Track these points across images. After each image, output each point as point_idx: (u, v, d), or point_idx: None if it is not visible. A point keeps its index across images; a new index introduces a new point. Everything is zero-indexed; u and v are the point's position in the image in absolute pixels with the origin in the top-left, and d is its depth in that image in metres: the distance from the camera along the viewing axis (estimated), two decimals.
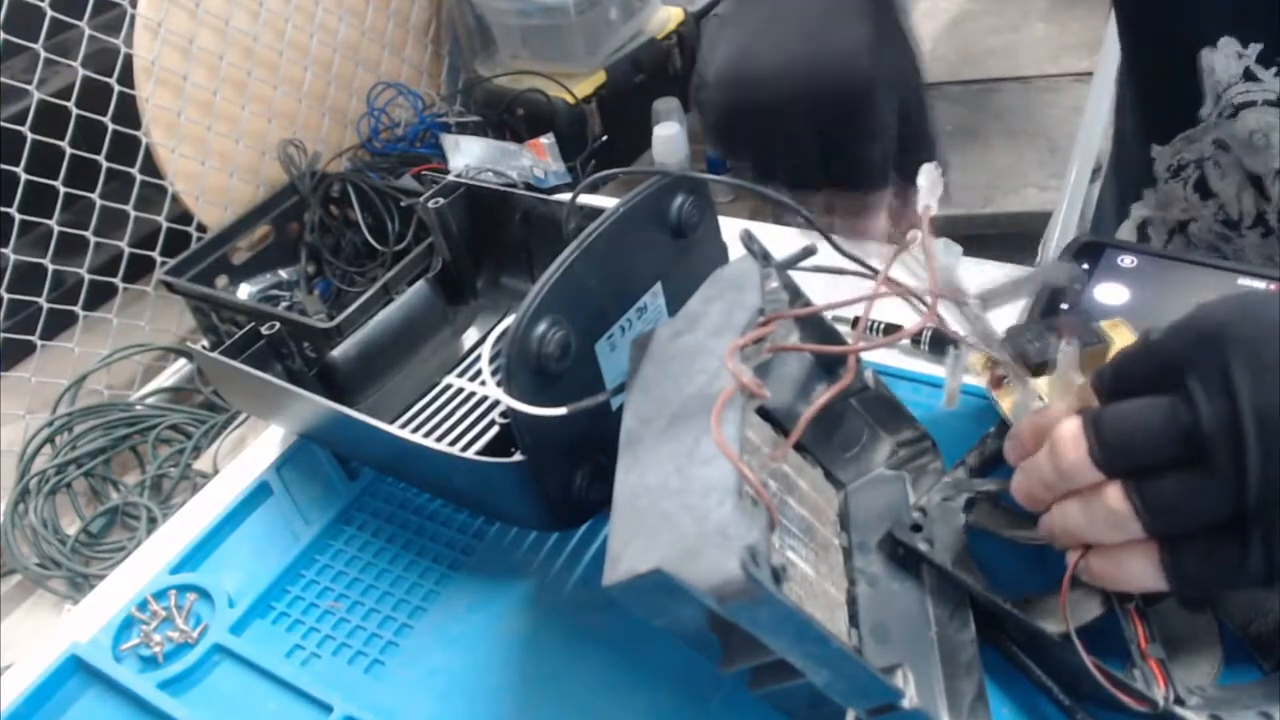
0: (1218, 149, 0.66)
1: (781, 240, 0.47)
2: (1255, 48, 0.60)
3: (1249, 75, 0.61)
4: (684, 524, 0.31)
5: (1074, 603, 0.40)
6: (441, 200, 0.65)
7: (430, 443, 0.49)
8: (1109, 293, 0.58)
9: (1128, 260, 0.60)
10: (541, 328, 0.42)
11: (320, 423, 0.56)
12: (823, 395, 0.37)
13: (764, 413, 0.45)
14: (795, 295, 0.45)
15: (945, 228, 0.66)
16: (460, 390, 0.62)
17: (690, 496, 0.32)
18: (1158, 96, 0.69)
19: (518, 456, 0.45)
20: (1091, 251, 0.61)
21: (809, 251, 0.43)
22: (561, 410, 0.41)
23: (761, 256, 0.43)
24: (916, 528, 0.44)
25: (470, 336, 0.67)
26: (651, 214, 0.48)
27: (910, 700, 0.35)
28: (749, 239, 0.43)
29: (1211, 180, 0.67)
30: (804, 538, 0.41)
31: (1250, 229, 0.67)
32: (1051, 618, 0.40)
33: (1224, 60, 0.62)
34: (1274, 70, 0.60)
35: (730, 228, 0.57)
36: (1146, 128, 0.71)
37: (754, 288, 0.40)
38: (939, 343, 0.59)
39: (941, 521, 0.44)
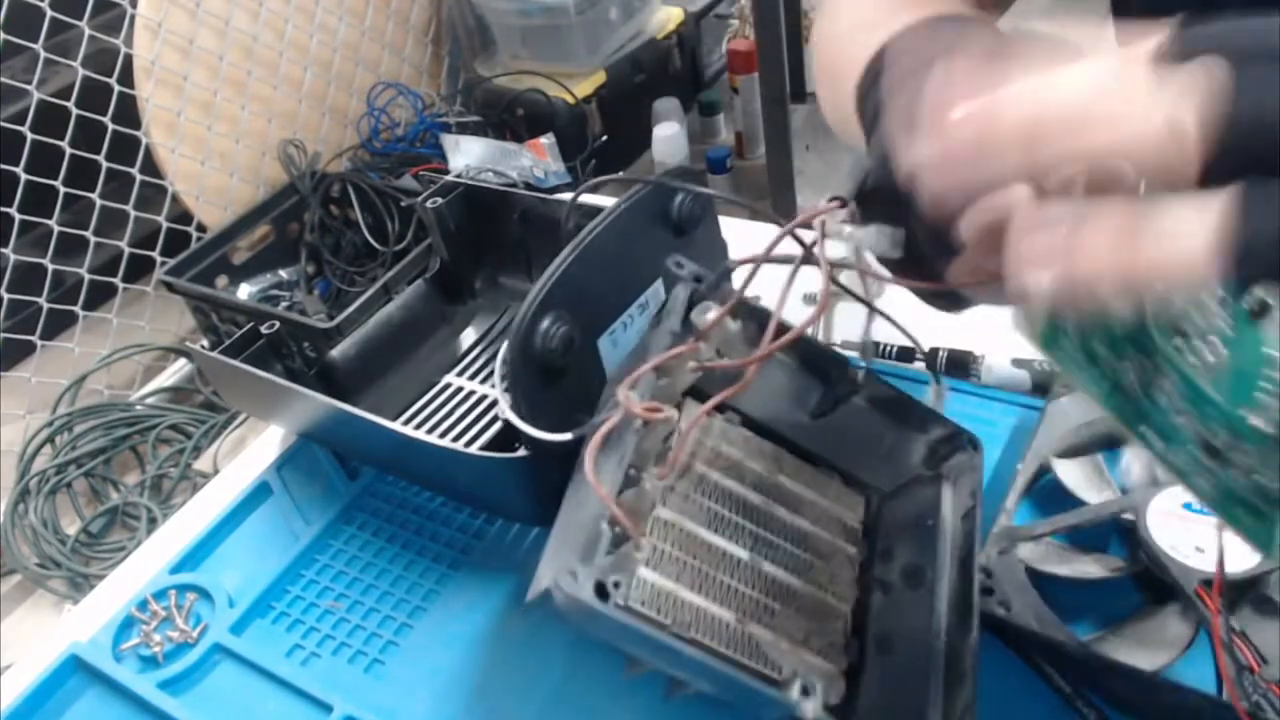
0: None
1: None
2: None
3: None
4: (568, 548, 0.34)
5: (1160, 631, 0.40)
6: (440, 200, 0.65)
7: (434, 439, 0.49)
8: None
9: None
10: (545, 323, 0.43)
11: (321, 421, 0.56)
12: (707, 404, 0.38)
13: (755, 425, 0.45)
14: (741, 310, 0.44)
15: None
16: (460, 389, 0.62)
17: (584, 522, 0.35)
18: None
19: (521, 452, 0.45)
20: None
21: (727, 271, 0.43)
22: (567, 436, 0.41)
23: (692, 279, 0.43)
24: (988, 591, 0.43)
25: (469, 336, 0.67)
26: (653, 211, 0.49)
27: (813, 713, 0.35)
28: (677, 265, 0.44)
29: None
30: (794, 547, 0.41)
31: None
32: (1140, 652, 0.40)
33: None
34: None
35: (730, 227, 0.57)
36: None
37: (679, 313, 0.42)
38: (961, 366, 0.59)
39: (1007, 577, 0.43)
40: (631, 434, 0.37)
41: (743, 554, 0.40)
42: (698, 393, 0.43)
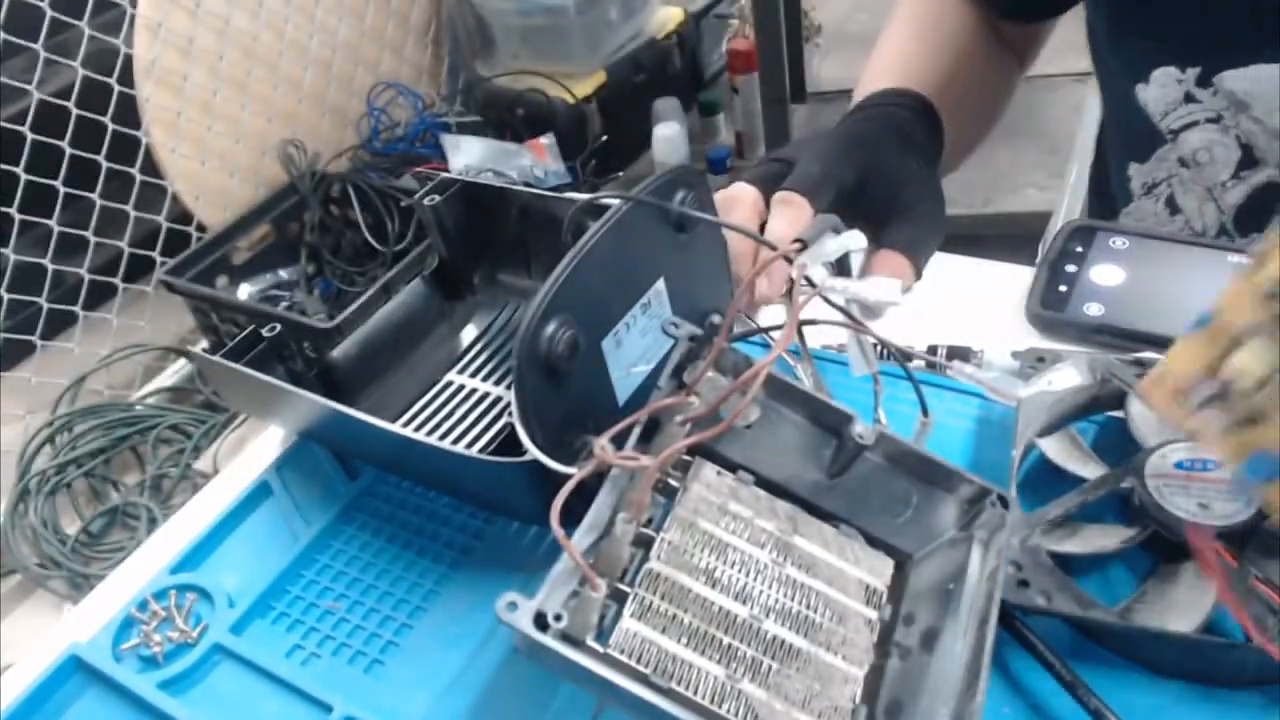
0: (1181, 166, 0.68)
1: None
2: (1193, 71, 0.63)
3: (1189, 98, 0.64)
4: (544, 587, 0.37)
5: (1188, 590, 0.41)
6: (437, 197, 0.65)
7: (438, 443, 0.49)
8: (1104, 274, 0.60)
9: (1120, 242, 0.62)
10: (550, 328, 0.43)
11: (324, 424, 0.56)
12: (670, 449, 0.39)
13: (772, 486, 0.45)
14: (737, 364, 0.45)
15: (946, 227, 0.66)
16: (461, 387, 0.62)
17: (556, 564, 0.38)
18: (1126, 121, 0.71)
19: (528, 456, 0.45)
20: (1085, 235, 0.63)
21: (714, 327, 0.45)
22: (580, 472, 0.41)
23: (688, 338, 0.45)
24: (1024, 584, 0.42)
25: (469, 333, 0.67)
26: (653, 210, 0.49)
27: None
28: (673, 325, 0.46)
29: (1178, 196, 0.69)
30: (804, 608, 0.41)
31: (1214, 239, 0.69)
32: (1173, 613, 0.41)
33: (1158, 90, 0.65)
34: (1211, 90, 0.62)
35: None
36: (1125, 147, 0.73)
37: (670, 370, 0.44)
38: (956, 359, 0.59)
39: (1035, 564, 0.43)
40: (617, 483, 0.39)
41: (742, 611, 0.39)
42: (709, 452, 0.44)
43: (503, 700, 0.47)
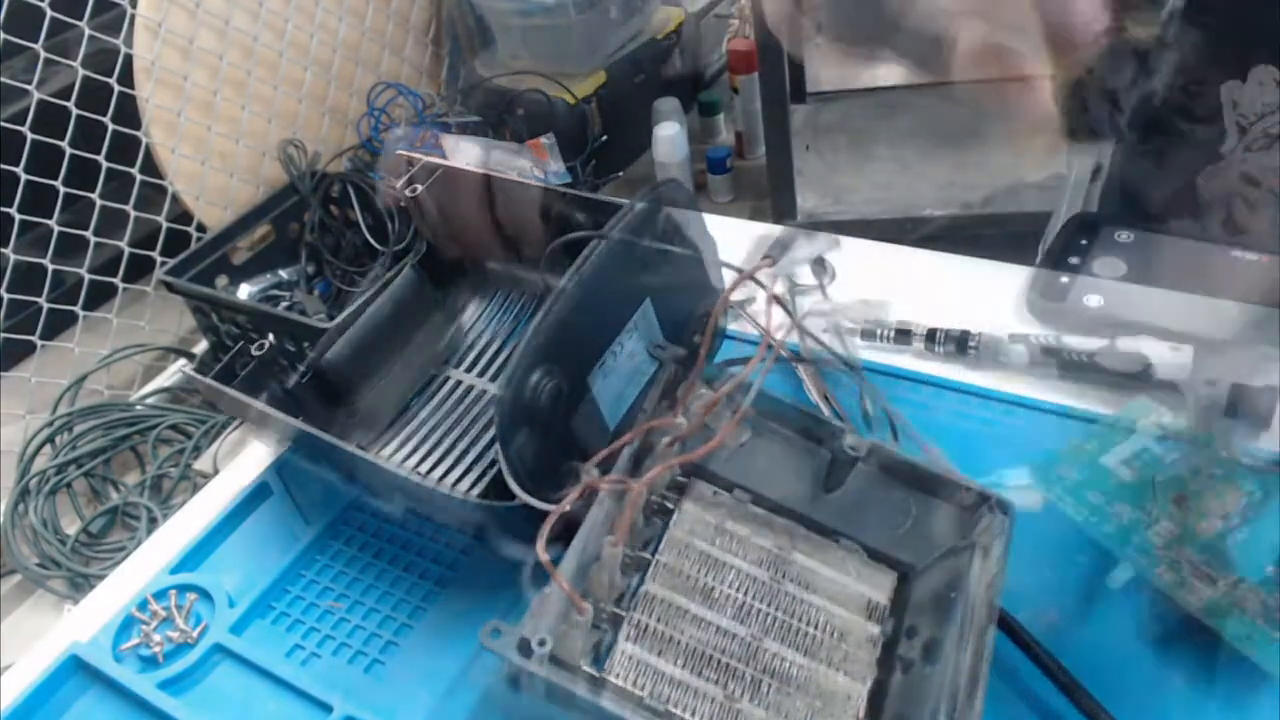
0: (1246, 184, 0.65)
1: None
2: None
3: None
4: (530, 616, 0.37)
5: None
6: (419, 187, 0.64)
7: (432, 484, 0.49)
8: (1107, 266, 0.61)
9: (1124, 236, 0.63)
10: (533, 379, 0.42)
11: (311, 448, 0.56)
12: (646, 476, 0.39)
13: (768, 503, 0.44)
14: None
15: (947, 227, 0.66)
16: (459, 383, 0.61)
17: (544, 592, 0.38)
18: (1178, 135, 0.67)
19: (519, 500, 0.44)
20: (1089, 227, 0.64)
21: (673, 357, 0.46)
22: (566, 500, 0.41)
23: (673, 360, 0.45)
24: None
25: (462, 322, 0.67)
26: (637, 230, 0.47)
27: None
28: (659, 348, 0.47)
29: (1239, 216, 0.67)
30: (804, 624, 0.41)
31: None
32: None
33: (1254, 90, 0.61)
34: None
35: (729, 228, 0.57)
36: (1160, 168, 0.69)
37: (658, 391, 0.45)
38: (959, 342, 0.59)
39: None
40: (606, 507, 0.39)
41: (740, 630, 0.39)
42: (704, 472, 0.44)
43: (503, 701, 0.47)
